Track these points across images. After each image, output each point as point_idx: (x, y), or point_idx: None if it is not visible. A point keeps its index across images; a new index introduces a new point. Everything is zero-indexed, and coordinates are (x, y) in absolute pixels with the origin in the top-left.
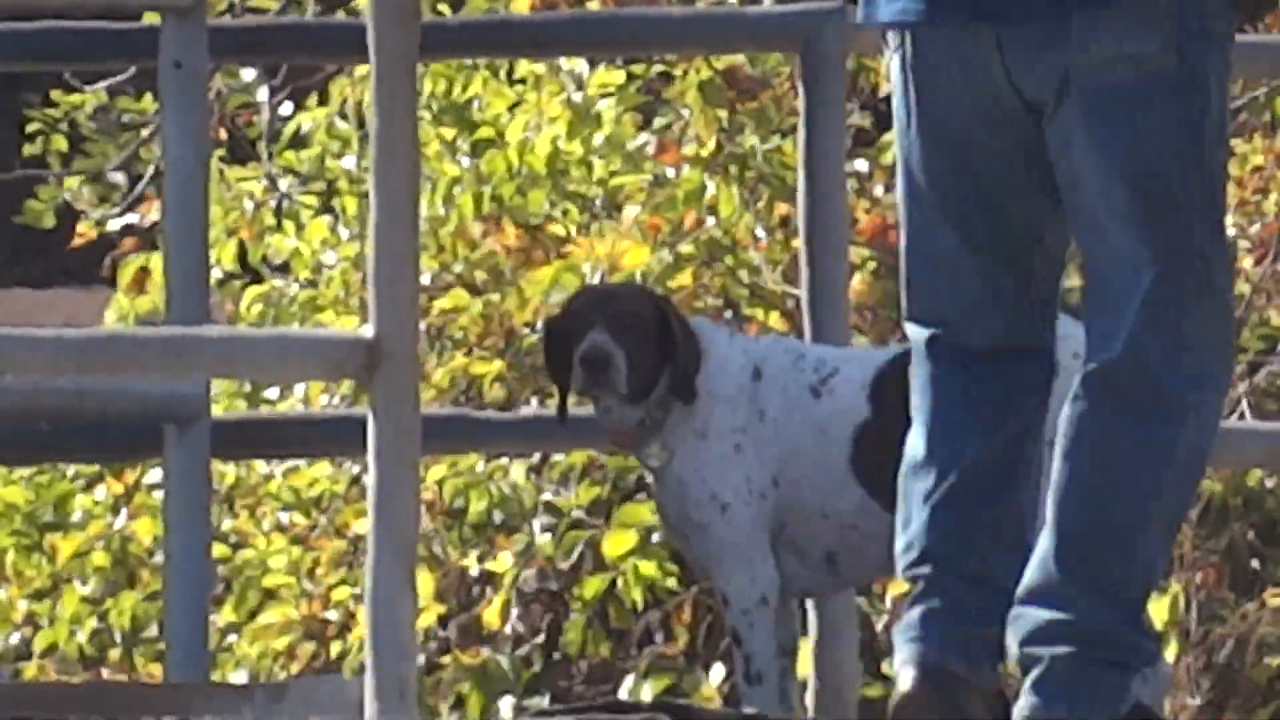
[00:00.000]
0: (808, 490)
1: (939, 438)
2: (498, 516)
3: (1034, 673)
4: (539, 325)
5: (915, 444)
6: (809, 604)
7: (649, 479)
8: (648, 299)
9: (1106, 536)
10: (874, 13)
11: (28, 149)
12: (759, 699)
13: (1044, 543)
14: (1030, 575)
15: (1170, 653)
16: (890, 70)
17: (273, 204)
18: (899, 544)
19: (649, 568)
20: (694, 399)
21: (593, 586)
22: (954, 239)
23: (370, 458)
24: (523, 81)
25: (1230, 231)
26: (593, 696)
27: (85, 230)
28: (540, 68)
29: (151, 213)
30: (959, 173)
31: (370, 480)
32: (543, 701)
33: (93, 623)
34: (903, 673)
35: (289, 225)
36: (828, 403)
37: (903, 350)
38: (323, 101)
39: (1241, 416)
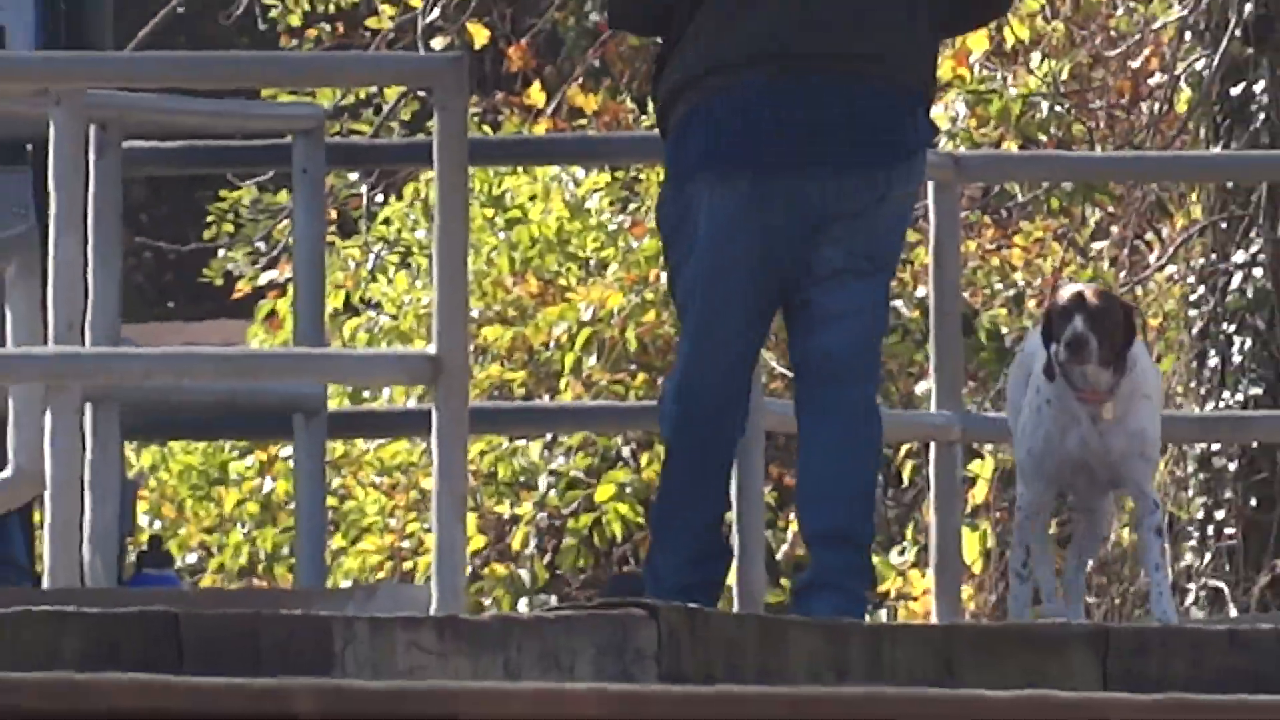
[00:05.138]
0: None
1: None
2: (521, 477)
3: None
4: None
5: None
6: (734, 532)
7: (1058, 428)
8: (1116, 302)
9: None
10: (722, 156)
11: (207, 234)
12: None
13: None
14: None
15: None
16: (713, 199)
17: (368, 265)
18: None
19: (625, 508)
20: (1125, 370)
21: (582, 521)
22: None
23: (434, 437)
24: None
25: None
26: (587, 598)
27: (244, 286)
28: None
29: (286, 272)
30: (770, 277)
31: (434, 452)
32: (549, 601)
33: (247, 549)
34: None
35: (383, 278)
36: None
37: None
38: (400, 196)
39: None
